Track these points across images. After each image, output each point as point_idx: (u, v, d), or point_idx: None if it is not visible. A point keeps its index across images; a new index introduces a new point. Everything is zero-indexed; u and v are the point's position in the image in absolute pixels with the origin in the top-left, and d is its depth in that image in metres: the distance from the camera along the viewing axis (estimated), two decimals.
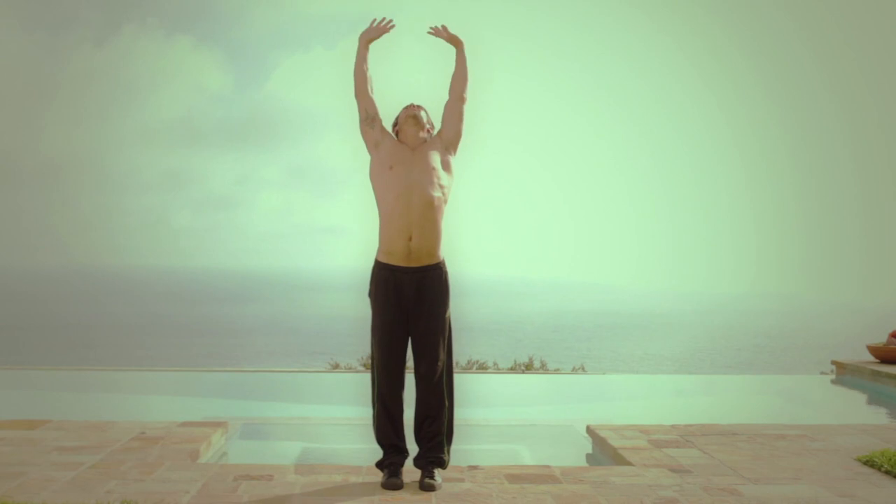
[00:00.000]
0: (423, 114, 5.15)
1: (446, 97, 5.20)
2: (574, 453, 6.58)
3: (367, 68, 5.18)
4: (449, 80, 5.22)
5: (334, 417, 8.11)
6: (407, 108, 5.19)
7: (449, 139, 5.14)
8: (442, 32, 5.28)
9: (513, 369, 14.83)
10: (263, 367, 15.23)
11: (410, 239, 4.86)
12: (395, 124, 5.20)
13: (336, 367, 14.93)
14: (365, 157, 5.11)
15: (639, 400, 10.05)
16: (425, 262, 4.93)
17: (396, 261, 4.92)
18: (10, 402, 8.70)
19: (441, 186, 4.96)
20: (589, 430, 6.62)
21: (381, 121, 5.15)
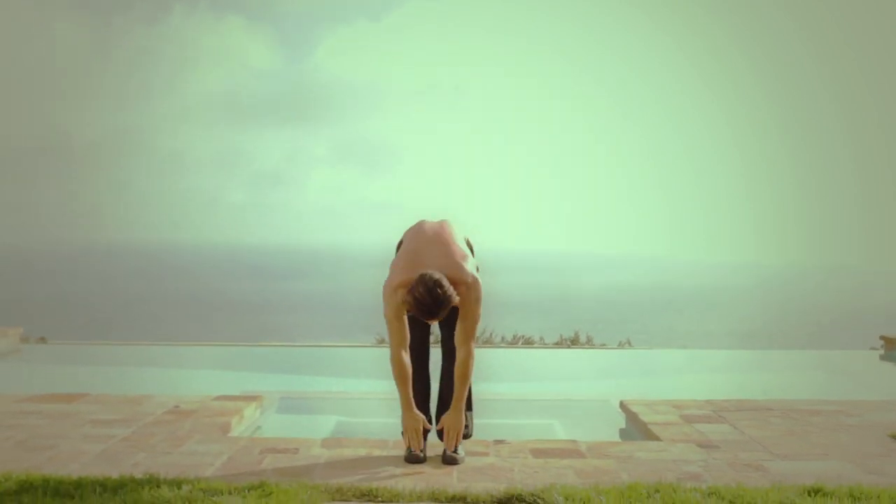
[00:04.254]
0: (442, 312, 4.56)
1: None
2: (607, 428, 6.55)
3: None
4: None
5: (374, 392, 8.15)
6: (425, 312, 4.54)
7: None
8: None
9: (558, 344, 14.78)
10: (310, 342, 15.36)
11: None
12: (407, 305, 4.64)
13: (382, 341, 14.98)
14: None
15: (682, 375, 9.97)
16: None
17: None
18: (60, 376, 8.90)
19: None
20: (622, 405, 6.58)
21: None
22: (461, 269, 4.73)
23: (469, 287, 4.73)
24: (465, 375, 4.79)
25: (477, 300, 4.75)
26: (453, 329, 4.93)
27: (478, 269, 4.92)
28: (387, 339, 4.87)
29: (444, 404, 5.10)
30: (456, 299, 4.57)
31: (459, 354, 4.81)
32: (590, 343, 15.18)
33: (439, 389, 5.16)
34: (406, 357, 4.79)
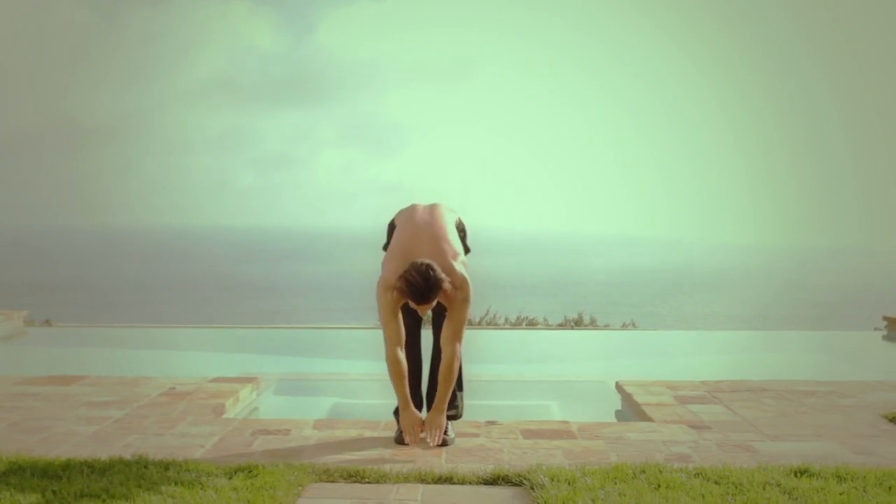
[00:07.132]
0: (434, 296, 4.59)
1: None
2: (603, 409, 6.54)
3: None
4: None
5: (371, 373, 8.15)
6: (417, 296, 4.55)
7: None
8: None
9: (562, 325, 14.77)
10: (312, 325, 15.37)
11: None
12: (399, 290, 4.63)
13: None
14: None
15: (684, 357, 9.95)
16: None
17: None
18: (62, 359, 8.94)
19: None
20: (617, 385, 6.58)
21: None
22: (451, 269, 4.72)
23: (457, 288, 4.72)
24: (449, 377, 4.77)
25: (465, 300, 4.73)
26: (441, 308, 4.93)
27: (466, 266, 4.89)
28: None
29: (433, 390, 5.08)
30: (448, 283, 4.58)
31: (445, 355, 4.79)
32: (594, 324, 15.16)
33: (429, 380, 5.15)
34: (402, 355, 4.77)
